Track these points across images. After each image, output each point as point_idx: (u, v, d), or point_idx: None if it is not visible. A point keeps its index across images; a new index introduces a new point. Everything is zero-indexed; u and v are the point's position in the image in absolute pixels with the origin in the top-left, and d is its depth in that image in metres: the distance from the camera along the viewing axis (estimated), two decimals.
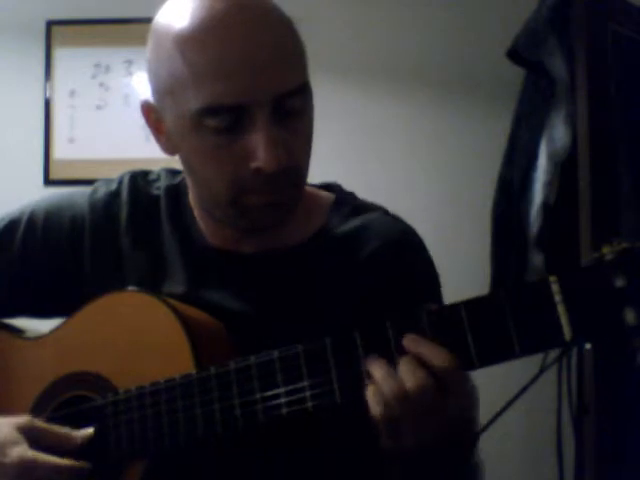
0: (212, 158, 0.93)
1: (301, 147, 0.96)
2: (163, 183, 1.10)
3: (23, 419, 0.96)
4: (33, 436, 0.94)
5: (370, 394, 0.82)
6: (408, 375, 0.80)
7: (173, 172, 1.13)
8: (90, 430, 0.96)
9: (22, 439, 0.94)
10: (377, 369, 0.82)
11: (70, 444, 0.95)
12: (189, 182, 1.04)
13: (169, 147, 1.00)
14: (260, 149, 0.90)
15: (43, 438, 0.95)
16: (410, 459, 0.84)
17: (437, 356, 0.80)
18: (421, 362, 0.80)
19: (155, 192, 1.10)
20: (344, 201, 1.08)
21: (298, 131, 0.95)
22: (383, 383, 0.81)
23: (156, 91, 0.97)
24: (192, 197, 1.07)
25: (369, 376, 0.82)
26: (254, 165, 0.91)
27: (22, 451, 0.93)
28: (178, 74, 0.91)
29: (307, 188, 1.08)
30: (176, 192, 1.09)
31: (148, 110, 1.00)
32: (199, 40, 0.90)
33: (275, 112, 0.91)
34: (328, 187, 1.11)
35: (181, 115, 0.93)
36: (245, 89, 0.89)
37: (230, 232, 1.03)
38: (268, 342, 0.89)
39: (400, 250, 1.03)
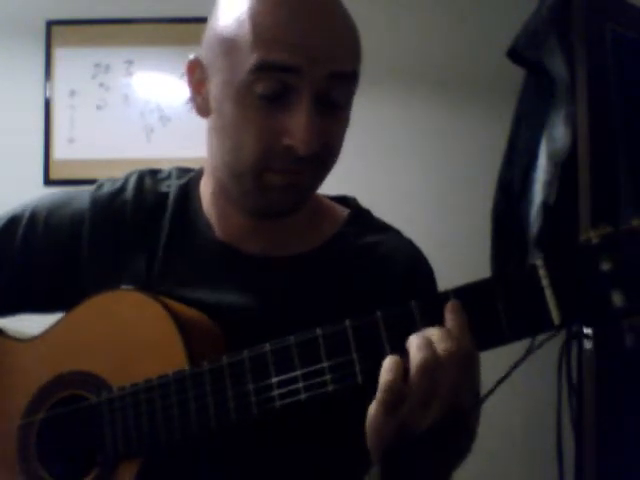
0: (250, 124, 0.94)
1: (334, 140, 0.98)
2: (174, 181, 1.11)
3: None
4: None
5: (417, 350, 0.78)
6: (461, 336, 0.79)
7: (184, 170, 1.13)
8: None
9: None
10: (435, 332, 0.79)
11: None
12: (213, 154, 1.03)
13: (202, 108, 1.01)
14: (298, 129, 0.92)
15: None
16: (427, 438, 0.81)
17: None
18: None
19: (164, 189, 1.10)
20: (360, 217, 1.09)
21: (336, 125, 0.98)
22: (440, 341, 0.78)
23: (212, 52, 0.98)
24: (206, 182, 1.07)
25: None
26: (288, 142, 0.93)
27: None
28: (242, 35, 0.93)
29: (324, 199, 1.10)
30: (186, 188, 1.10)
31: (194, 66, 1.01)
32: (271, 6, 0.93)
33: (320, 101, 0.93)
34: (344, 200, 1.12)
35: (232, 78, 0.94)
36: (303, 53, 0.91)
37: (239, 224, 1.03)
38: (266, 338, 0.89)
39: (410, 273, 1.04)
